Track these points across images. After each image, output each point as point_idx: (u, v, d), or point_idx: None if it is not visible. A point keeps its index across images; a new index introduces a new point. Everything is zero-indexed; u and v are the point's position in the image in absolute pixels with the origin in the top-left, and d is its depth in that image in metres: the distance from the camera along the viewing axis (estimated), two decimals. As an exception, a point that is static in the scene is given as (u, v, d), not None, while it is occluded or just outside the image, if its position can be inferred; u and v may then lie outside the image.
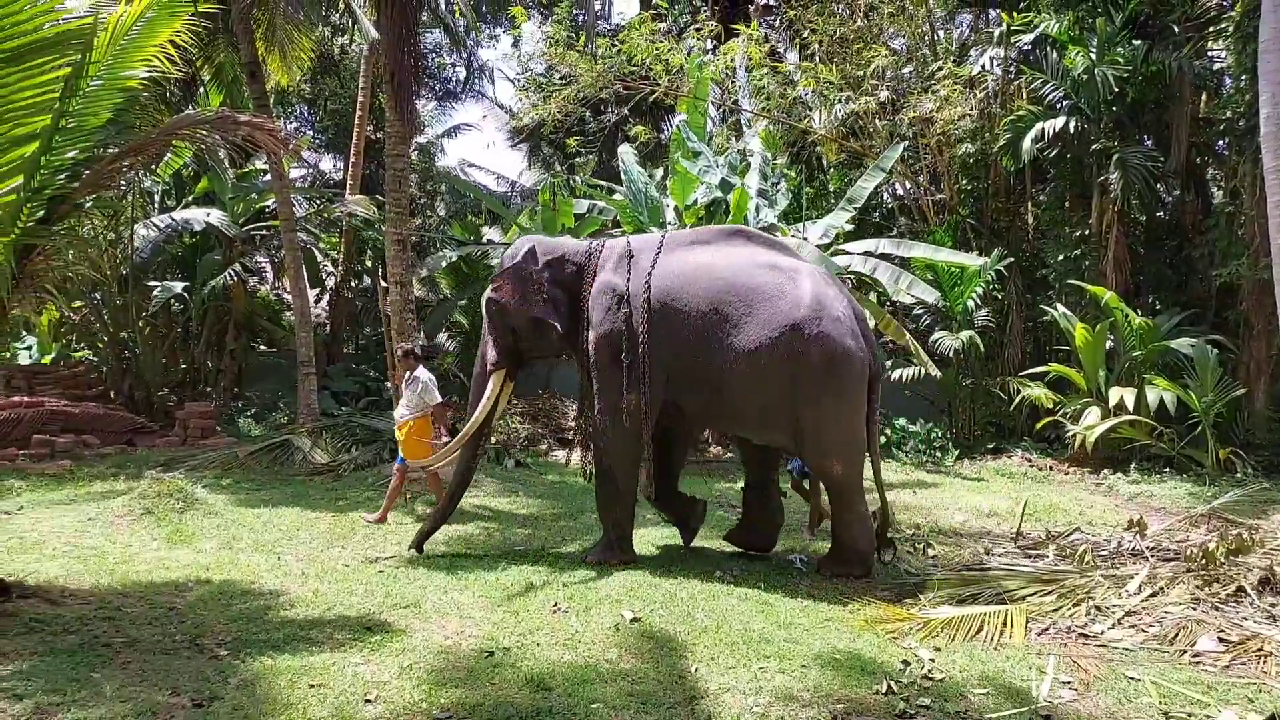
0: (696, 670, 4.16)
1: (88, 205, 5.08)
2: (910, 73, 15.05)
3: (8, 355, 13.11)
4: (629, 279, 6.14)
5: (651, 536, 7.22)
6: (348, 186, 16.62)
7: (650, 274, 6.09)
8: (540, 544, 7.05)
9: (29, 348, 15.14)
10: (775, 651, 4.41)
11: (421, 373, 7.91)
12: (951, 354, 12.67)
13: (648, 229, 13.20)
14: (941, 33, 16.71)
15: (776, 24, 18.97)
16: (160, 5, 4.72)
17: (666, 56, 14.51)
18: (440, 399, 7.91)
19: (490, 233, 20.33)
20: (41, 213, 4.77)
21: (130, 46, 4.82)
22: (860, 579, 5.95)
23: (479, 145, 61.73)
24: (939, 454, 12.39)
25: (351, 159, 16.60)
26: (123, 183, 5.65)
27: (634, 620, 4.89)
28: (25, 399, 11.31)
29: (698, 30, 15.83)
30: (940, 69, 13.76)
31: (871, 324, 14.01)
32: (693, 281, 6.00)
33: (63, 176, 4.86)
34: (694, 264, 6.10)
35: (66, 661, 3.94)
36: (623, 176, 14.07)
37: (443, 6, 15.61)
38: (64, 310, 13.99)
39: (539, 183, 22.51)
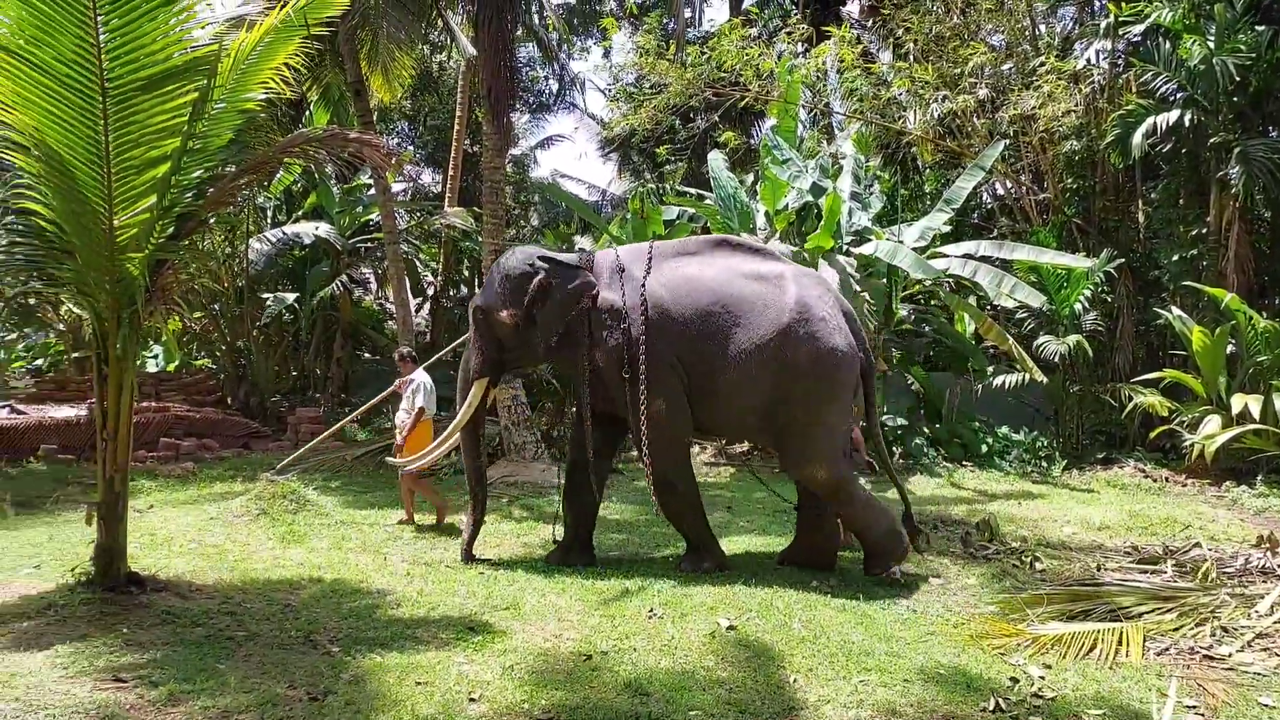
0: (795, 681, 4.12)
1: (211, 221, 5.38)
2: (1010, 69, 14.57)
3: (138, 364, 14.01)
4: (624, 294, 6.14)
5: (746, 544, 7.18)
6: (446, 199, 17.13)
7: (644, 287, 6.10)
8: (633, 550, 7.09)
9: (155, 356, 16.16)
10: (876, 665, 4.33)
11: (418, 375, 7.98)
12: (1057, 359, 12.18)
13: (737, 234, 13.18)
14: (1043, 27, 16.13)
15: (869, 25, 18.67)
16: (277, 30, 4.96)
17: (757, 62, 14.44)
18: (429, 404, 7.89)
19: (582, 241, 20.60)
20: (171, 229, 5.09)
21: (250, 70, 5.08)
22: (904, 560, 6.07)
23: (570, 156, 62.69)
24: (1045, 464, 11.92)
25: (450, 172, 17.10)
26: (241, 199, 5.97)
27: (730, 628, 4.87)
28: (153, 404, 12.05)
29: (788, 34, 15.70)
30: (1043, 64, 13.27)
31: (970, 328, 13.80)
32: (683, 294, 6.08)
33: (190, 195, 5.17)
34: (683, 276, 6.18)
35: (194, 652, 4.18)
36: (712, 183, 14.08)
37: (536, 21, 15.94)
38: (187, 321, 14.86)
39: (629, 191, 22.71)
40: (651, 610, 5.15)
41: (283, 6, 4.94)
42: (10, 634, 4.24)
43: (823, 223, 11.92)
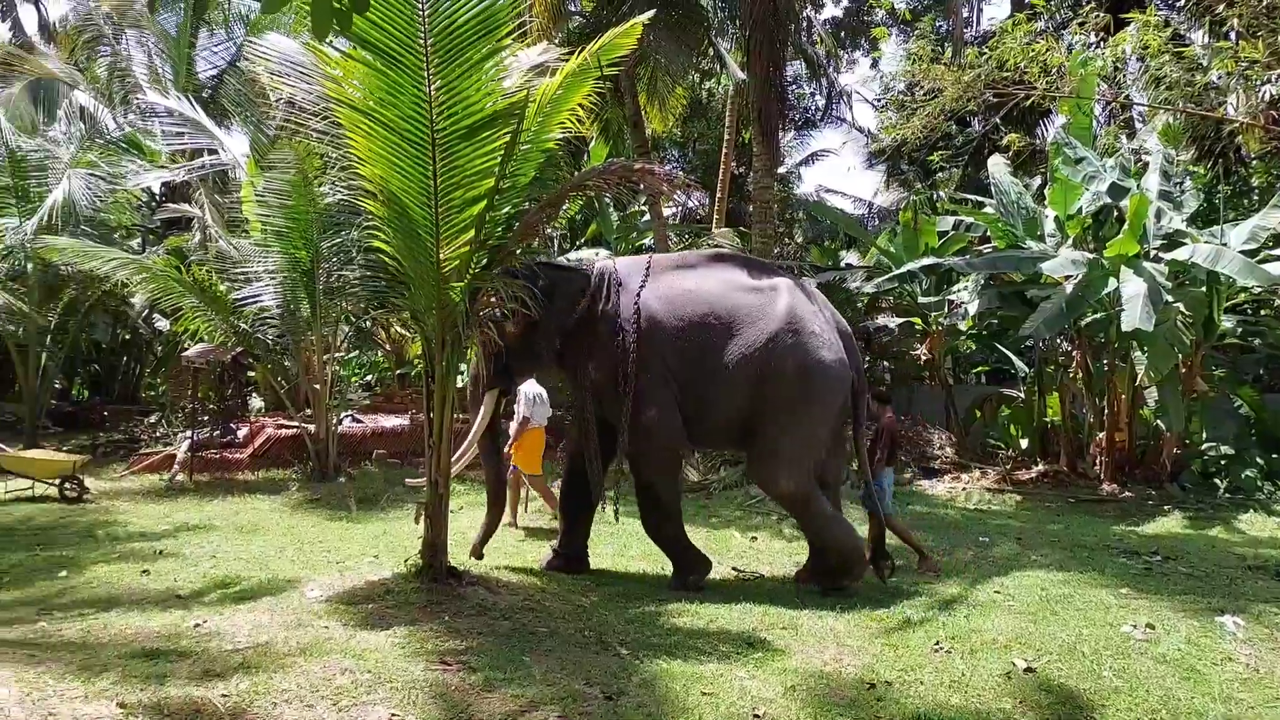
0: (1110, 735, 3.73)
1: (518, 252, 5.93)
2: (1370, 37, 12.28)
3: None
4: (620, 304, 6.16)
5: (1040, 580, 6.61)
6: (714, 221, 17.55)
7: (638, 299, 6.13)
8: (913, 577, 6.80)
9: (462, 373, 18.01)
10: (1210, 727, 3.81)
11: (527, 388, 8.15)
12: None
13: (1022, 242, 12.25)
14: None
15: (1179, 4, 16.62)
16: (574, 75, 5.39)
17: (1044, 57, 13.36)
18: (532, 413, 8.13)
19: (848, 256, 20.20)
20: (485, 260, 5.68)
21: (551, 114, 5.55)
22: (854, 582, 5.91)
23: (835, 170, 61.72)
24: None
25: (717, 194, 17.51)
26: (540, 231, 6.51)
27: (1028, 670, 4.51)
28: (462, 416, 13.41)
29: (1081, 24, 14.38)
30: None
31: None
32: (678, 306, 6.10)
33: (500, 229, 5.75)
34: (679, 289, 6.19)
35: (504, 644, 4.60)
36: (993, 189, 13.22)
37: (804, 39, 15.94)
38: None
39: (897, 202, 21.93)
40: (938, 643, 4.91)
41: (580, 52, 5.35)
42: (360, 614, 4.93)
43: (1126, 227, 10.76)
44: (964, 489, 11.50)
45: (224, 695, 3.59)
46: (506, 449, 8.16)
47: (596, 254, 15.36)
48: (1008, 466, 12.16)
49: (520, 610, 5.22)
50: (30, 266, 12.34)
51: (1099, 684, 4.34)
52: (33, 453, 10.05)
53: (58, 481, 9.23)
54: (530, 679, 4.09)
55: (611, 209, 16.32)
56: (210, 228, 11.33)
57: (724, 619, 5.39)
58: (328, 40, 5.73)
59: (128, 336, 17.84)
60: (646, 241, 16.48)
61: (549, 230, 16.09)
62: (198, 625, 4.65)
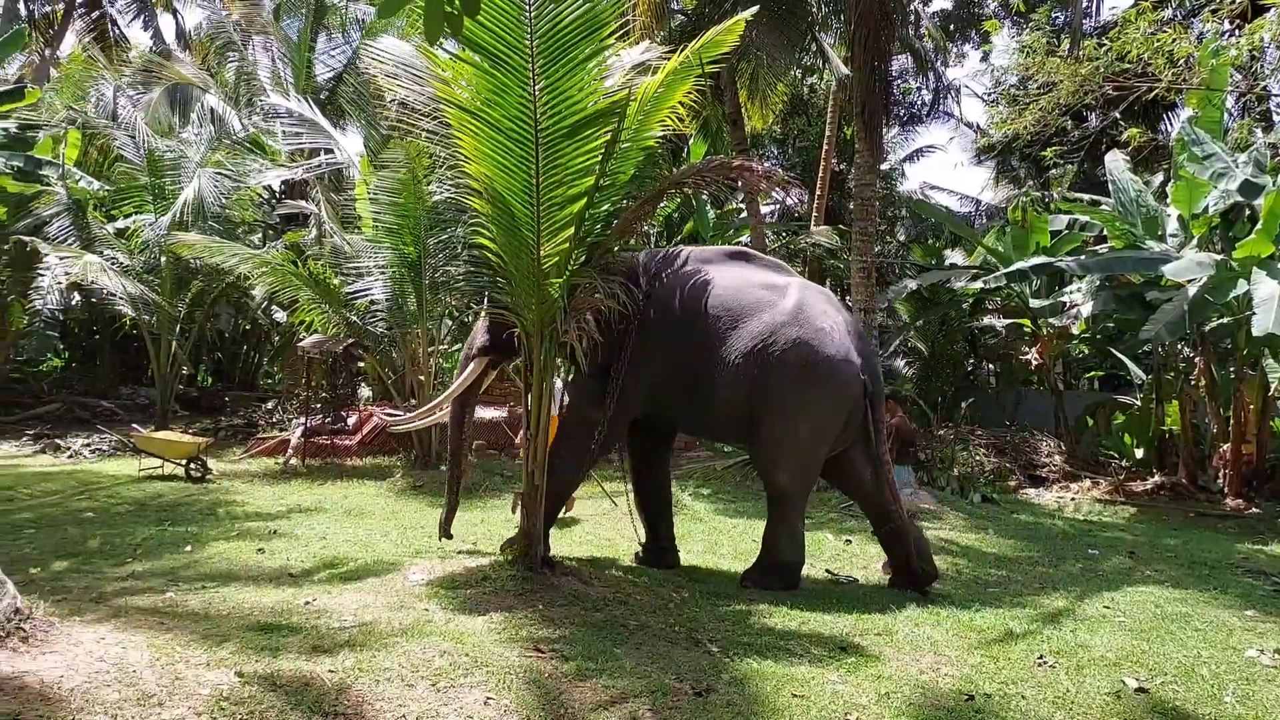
0: (1230, 764, 3.52)
1: (615, 249, 6.00)
2: None
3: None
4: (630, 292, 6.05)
5: (1153, 596, 6.29)
6: (812, 219, 17.32)
7: (651, 291, 6.15)
8: (1016, 588, 6.57)
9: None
10: (1346, 764, 3.55)
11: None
12: None
13: (1141, 242, 11.65)
14: None
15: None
16: (675, 73, 5.41)
17: (1170, 47, 12.64)
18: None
19: (953, 255, 19.61)
20: (584, 257, 5.77)
21: (651, 112, 5.59)
22: (783, 592, 5.83)
23: (940, 166, 60.03)
24: None
25: (817, 192, 17.27)
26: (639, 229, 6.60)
27: (1139, 690, 4.29)
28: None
29: (1214, 11, 13.53)
30: None
31: None
32: (691, 299, 6.15)
33: (599, 226, 5.83)
34: (693, 282, 6.23)
35: (595, 634, 4.67)
36: (1110, 186, 12.62)
37: (911, 33, 15.54)
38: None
39: (1006, 200, 21.15)
40: (1041, 657, 4.73)
41: (681, 50, 5.37)
42: (458, 599, 5.09)
43: (1259, 226, 10.10)
44: (1073, 499, 11.03)
45: (331, 670, 3.77)
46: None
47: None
48: (1121, 477, 11.60)
49: (611, 603, 5.28)
50: (164, 260, 13.19)
51: (1219, 710, 4.10)
52: (163, 434, 10.75)
53: (184, 462, 9.85)
54: (621, 670, 4.13)
55: (708, 206, 16.29)
56: (325, 224, 11.87)
57: (816, 622, 5.32)
58: (438, 43, 5.95)
59: (248, 326, 18.89)
60: (744, 239, 16.39)
61: (645, 227, 16.23)
62: (308, 602, 4.89)
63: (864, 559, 7.32)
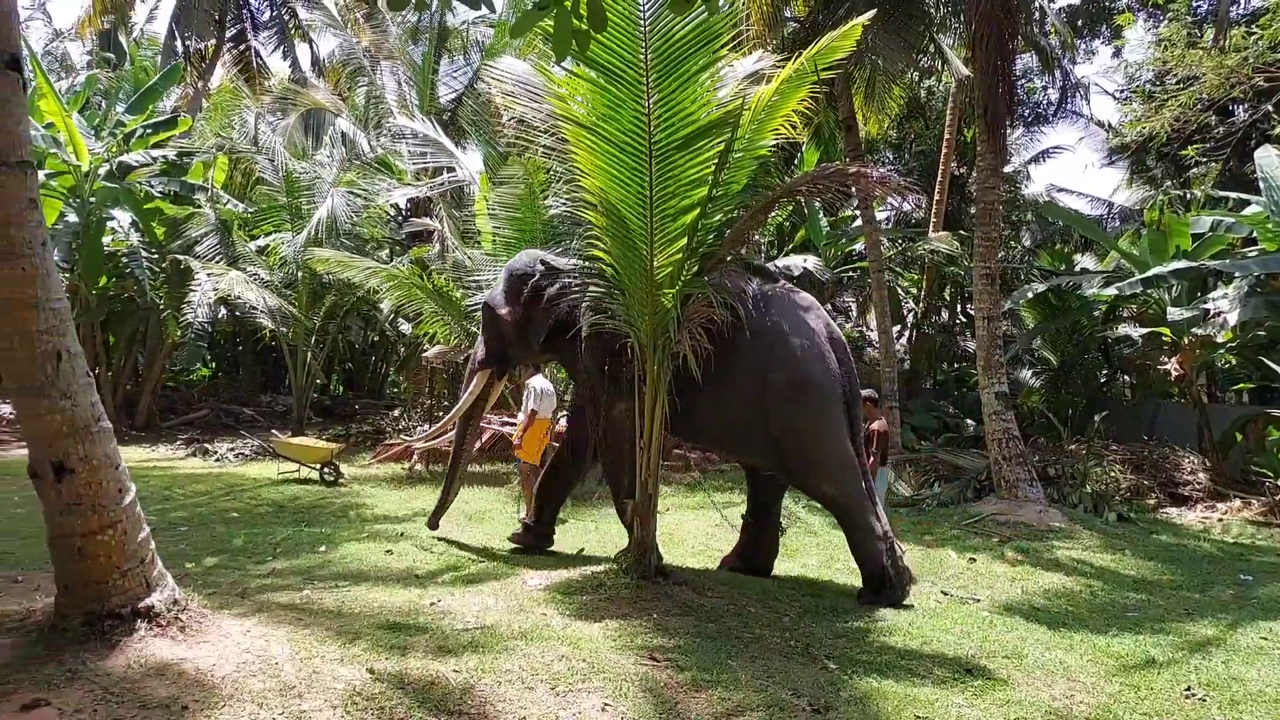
0: None
1: (729, 260, 5.99)
2: None
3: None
4: None
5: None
6: (931, 224, 16.81)
7: None
8: (1157, 614, 6.16)
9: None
10: None
11: (535, 381, 8.19)
12: None
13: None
14: None
15: None
16: (789, 81, 5.37)
17: (1334, 31, 11.65)
18: (539, 406, 8.09)
19: (1083, 260, 18.65)
20: (696, 268, 5.79)
21: (764, 121, 5.56)
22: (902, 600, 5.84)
23: (1068, 168, 57.20)
24: None
25: (935, 196, 16.76)
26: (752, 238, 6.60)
27: (1303, 730, 3.97)
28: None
29: (1381, -9, 12.40)
30: None
31: None
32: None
33: (711, 236, 5.83)
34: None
35: (710, 645, 4.66)
36: (1261, 185, 11.74)
37: (1036, 30, 14.88)
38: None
39: (1142, 201, 19.96)
40: (1189, 689, 4.43)
41: (795, 57, 5.32)
42: (574, 604, 5.18)
43: None
44: (1220, 520, 10.27)
45: (455, 671, 3.90)
46: (515, 440, 8.53)
47: (805, 260, 15.18)
48: (1277, 497, 10.70)
49: (725, 614, 5.26)
50: (300, 275, 14.01)
51: (1396, 756, 3.74)
52: (299, 440, 11.39)
53: (319, 466, 10.40)
54: (737, 683, 4.11)
55: (821, 214, 16.03)
56: (448, 239, 12.34)
57: (940, 642, 5.15)
58: (553, 61, 6.11)
59: (376, 338, 19.82)
60: (857, 247, 16.06)
61: (757, 236, 16.11)
62: (433, 604, 5.08)
63: (989, 578, 7.03)
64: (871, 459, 7.02)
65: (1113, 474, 11.69)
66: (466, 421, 7.34)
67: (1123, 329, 14.84)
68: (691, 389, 6.03)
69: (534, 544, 7.02)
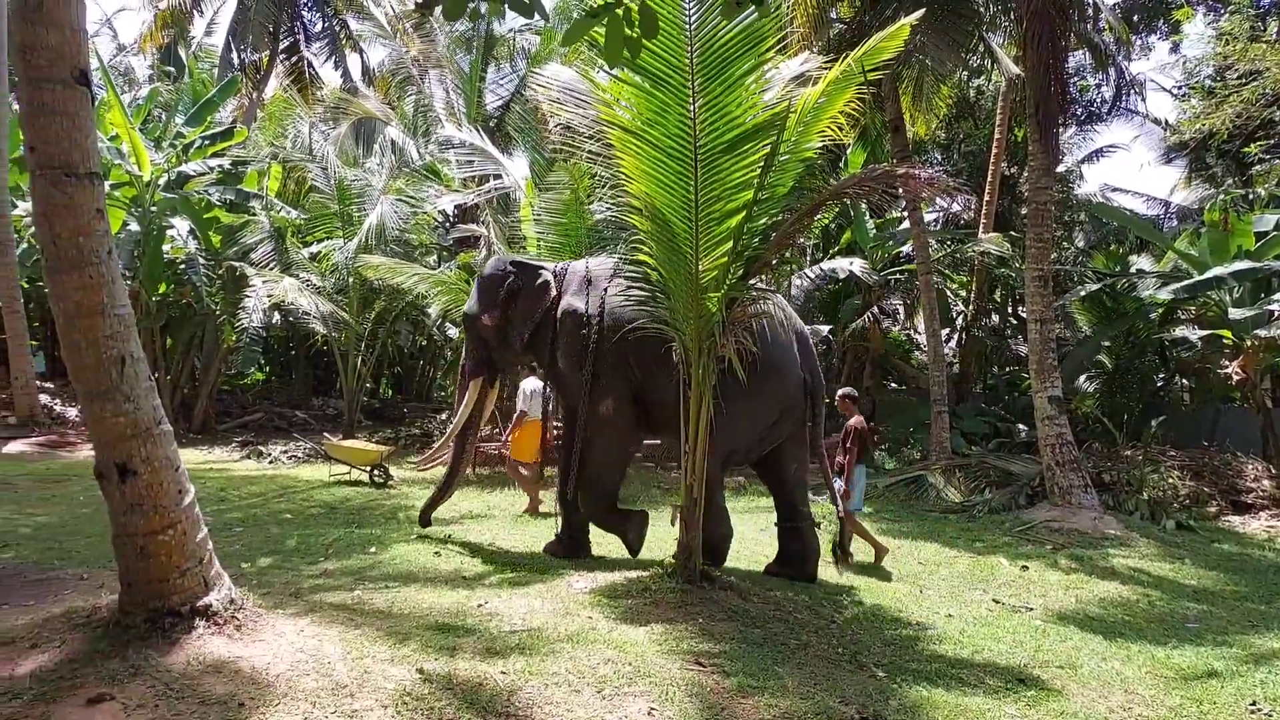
0: None
1: (774, 263, 5.97)
2: None
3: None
4: (587, 301, 6.56)
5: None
6: (980, 225, 16.54)
7: (604, 298, 6.49)
8: (1219, 625, 5.98)
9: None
10: None
11: (526, 383, 8.43)
12: None
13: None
14: None
15: None
16: (836, 83, 5.34)
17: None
18: (528, 407, 8.55)
19: (1140, 261, 18.19)
20: (741, 271, 5.77)
21: (811, 123, 5.53)
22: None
23: (1123, 167, 55.98)
24: None
25: (985, 197, 16.48)
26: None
27: (1376, 748, 3.82)
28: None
29: None
30: None
31: None
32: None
33: (757, 240, 5.81)
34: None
35: (756, 651, 4.63)
36: (1332, 182, 11.29)
37: (1088, 26, 14.56)
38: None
39: (1200, 201, 19.39)
40: (1254, 704, 4.29)
41: (842, 59, 5.29)
42: (620, 608, 5.19)
43: None
44: (1287, 529, 9.93)
45: (503, 673, 3.94)
46: (505, 437, 8.71)
47: (851, 262, 15.04)
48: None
49: (771, 620, 5.22)
50: (351, 281, 14.28)
51: None
52: (350, 443, 11.60)
53: (369, 468, 10.58)
54: (784, 690, 4.08)
55: (867, 216, 15.86)
56: (494, 245, 12.47)
57: (991, 650, 5.06)
58: (598, 66, 6.14)
59: (424, 342, 20.11)
60: (905, 249, 15.85)
61: (802, 239, 15.99)
62: (480, 605, 5.13)
63: (1042, 586, 6.89)
64: (847, 455, 7.37)
65: (1171, 480, 11.36)
66: (464, 439, 7.50)
67: (1181, 331, 14.42)
68: (663, 384, 6.22)
69: (569, 554, 6.91)
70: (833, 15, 12.44)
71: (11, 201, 13.78)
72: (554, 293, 6.84)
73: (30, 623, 3.98)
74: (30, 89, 3.68)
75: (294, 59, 21.97)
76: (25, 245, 14.90)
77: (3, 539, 6.67)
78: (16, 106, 13.75)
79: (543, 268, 7.08)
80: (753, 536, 8.22)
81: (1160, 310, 14.33)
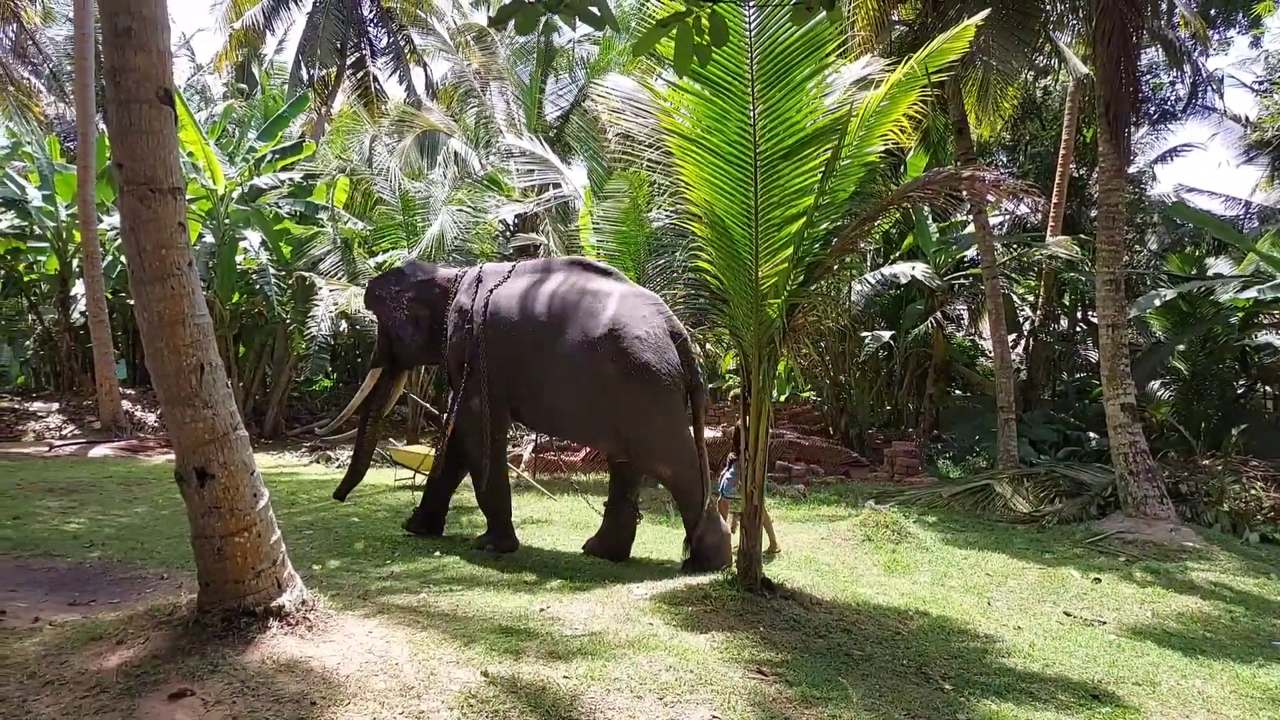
0: None
1: (835, 268, 5.91)
2: None
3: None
4: (474, 300, 7.02)
5: None
6: (1048, 229, 16.13)
7: (489, 296, 6.96)
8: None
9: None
10: None
11: None
12: None
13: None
14: None
15: None
16: (899, 85, 5.27)
17: None
18: None
19: (1217, 264, 17.50)
20: (802, 278, 5.73)
21: (873, 127, 5.46)
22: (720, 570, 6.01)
23: (1199, 166, 54.09)
24: None
25: (1053, 200, 16.07)
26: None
27: None
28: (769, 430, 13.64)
29: None
30: None
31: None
32: (520, 304, 6.86)
33: (818, 245, 5.76)
34: (525, 288, 6.94)
35: (819, 661, 4.58)
36: None
37: (1161, 23, 14.11)
38: (798, 356, 16.52)
39: (1286, 199, 18.60)
40: (1347, 726, 4.09)
41: (905, 61, 5.22)
42: (680, 615, 5.18)
43: None
44: (1381, 544, 9.43)
45: (565, 677, 3.97)
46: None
47: (913, 267, 14.78)
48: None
49: (834, 630, 5.16)
50: (413, 290, 14.55)
51: None
52: (413, 448, 11.81)
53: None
54: (848, 701, 4.03)
55: (930, 220, 15.59)
56: (553, 253, 12.61)
57: (1063, 665, 4.92)
58: (657, 74, 6.17)
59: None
60: (969, 253, 15.54)
61: (864, 244, 15.79)
62: (543, 609, 5.18)
63: (1116, 600, 6.67)
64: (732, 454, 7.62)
65: (1253, 491, 10.88)
66: (366, 414, 8.05)
67: (1263, 337, 13.84)
68: (542, 387, 6.74)
69: (497, 545, 7.22)
70: (894, 18, 12.28)
71: (97, 216, 14.42)
72: (444, 293, 7.43)
73: (116, 619, 4.15)
74: (119, 109, 3.86)
75: (360, 74, 22.55)
76: (109, 258, 15.59)
77: (90, 539, 6.96)
78: (103, 126, 14.41)
79: (437, 272, 7.74)
80: (813, 544, 8.12)
81: (1241, 314, 13.78)
